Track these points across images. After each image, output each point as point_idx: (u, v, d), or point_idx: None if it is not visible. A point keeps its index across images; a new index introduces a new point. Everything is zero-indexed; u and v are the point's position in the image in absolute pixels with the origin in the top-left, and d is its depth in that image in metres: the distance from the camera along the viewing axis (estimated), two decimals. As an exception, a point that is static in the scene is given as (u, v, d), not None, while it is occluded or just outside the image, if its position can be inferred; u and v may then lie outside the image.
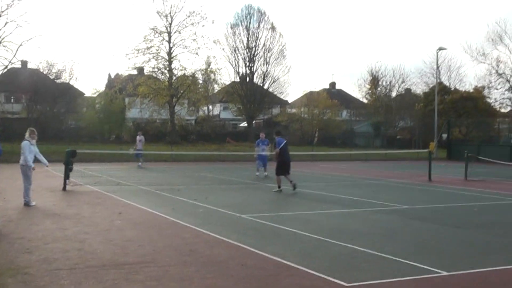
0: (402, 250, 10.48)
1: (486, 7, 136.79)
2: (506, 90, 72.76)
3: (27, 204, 15.87)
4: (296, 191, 20.10)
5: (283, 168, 20.70)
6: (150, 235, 11.62)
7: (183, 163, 39.13)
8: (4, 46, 50.67)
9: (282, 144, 20.65)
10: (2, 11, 49.74)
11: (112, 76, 75.83)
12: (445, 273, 8.83)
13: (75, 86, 69.68)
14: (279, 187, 20.33)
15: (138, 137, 35.19)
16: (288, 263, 9.30)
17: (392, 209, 16.49)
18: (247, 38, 70.23)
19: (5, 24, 50.32)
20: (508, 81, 72.07)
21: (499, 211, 16.85)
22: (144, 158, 39.83)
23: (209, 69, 64.87)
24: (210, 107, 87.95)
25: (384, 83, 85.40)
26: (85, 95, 72.98)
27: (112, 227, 12.62)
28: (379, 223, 13.77)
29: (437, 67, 62.83)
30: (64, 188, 20.29)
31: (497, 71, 71.60)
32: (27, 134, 16.24)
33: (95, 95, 70.68)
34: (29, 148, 16.04)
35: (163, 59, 62.42)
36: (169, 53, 62.39)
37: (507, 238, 12.18)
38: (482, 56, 72.62)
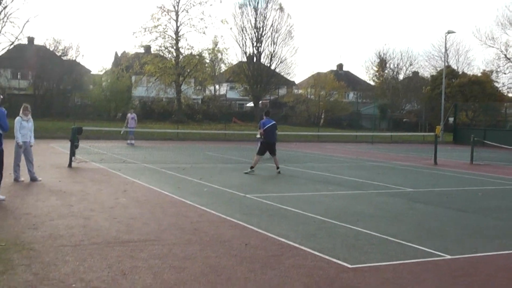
0: (406, 233, 10.49)
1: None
2: (514, 75, 72.59)
3: (15, 179, 15.92)
4: (280, 174, 19.94)
5: (265, 149, 20.52)
6: (155, 213, 11.65)
7: (189, 142, 39.16)
8: (11, 22, 50.75)
9: (268, 125, 20.40)
10: (10, -12, 49.75)
11: (119, 54, 75.75)
12: (448, 257, 8.84)
13: (82, 63, 69.88)
14: (251, 167, 20.01)
15: (129, 115, 35.07)
16: (292, 243, 9.32)
17: (397, 192, 16.49)
18: (255, 18, 70.02)
19: (12, 0, 50.37)
20: (516, 66, 71.80)
21: (504, 196, 16.82)
22: (150, 136, 39.98)
23: (216, 49, 64.76)
24: (217, 86, 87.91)
25: (391, 66, 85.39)
26: (91, 73, 73.07)
27: (117, 204, 12.65)
28: (383, 206, 13.77)
29: (445, 51, 62.69)
30: (69, 165, 20.35)
31: (505, 55, 71.37)
32: (21, 111, 16.24)
33: (101, 73, 70.71)
34: (20, 124, 16.03)
35: (170, 38, 62.35)
36: (176, 32, 62.27)
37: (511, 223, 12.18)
38: (491, 40, 72.45)
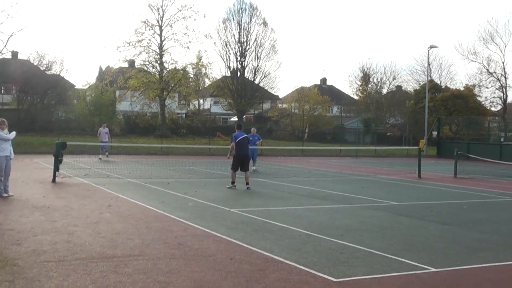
0: (391, 246, 10.51)
1: (478, 6, 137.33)
2: (496, 89, 73.32)
3: None
4: (250, 190, 19.44)
5: (237, 163, 20.07)
6: (139, 228, 11.60)
7: (173, 157, 39.11)
8: (-5, 36, 50.60)
9: (240, 138, 20.10)
10: (-6, 2, 49.66)
11: (103, 69, 75.58)
12: (433, 270, 8.87)
13: (66, 78, 69.64)
14: (232, 182, 19.79)
15: (101, 129, 34.74)
16: (277, 257, 9.32)
17: (382, 205, 16.54)
18: (239, 32, 70.00)
19: (-4, 15, 50.31)
20: (498, 80, 72.55)
21: (488, 209, 16.90)
22: (135, 151, 39.87)
23: (200, 63, 64.85)
24: (201, 101, 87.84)
25: (375, 80, 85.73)
26: (75, 87, 72.75)
27: (101, 219, 12.59)
28: (368, 219, 13.79)
29: (428, 65, 62.97)
30: (53, 180, 20.25)
31: (488, 70, 72.09)
32: None
33: (85, 87, 70.41)
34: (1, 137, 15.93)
35: (154, 53, 62.48)
36: (160, 47, 62.39)
37: (496, 236, 12.21)
38: (473, 55, 73.15)
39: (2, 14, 52.13)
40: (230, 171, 20.11)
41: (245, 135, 20.62)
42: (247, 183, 19.82)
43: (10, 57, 62.05)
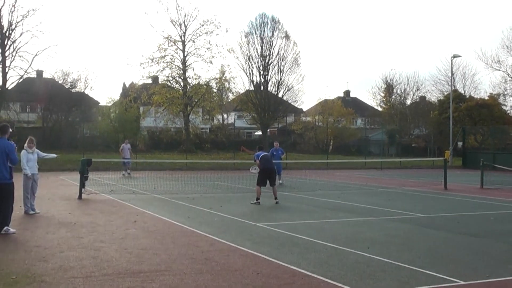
0: (418, 259, 10.42)
1: (500, 14, 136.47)
2: (521, 97, 72.52)
3: (26, 212, 15.97)
4: (279, 205, 19.27)
5: (264, 178, 19.76)
6: (165, 244, 11.62)
7: (197, 172, 39.19)
8: (20, 56, 51.23)
9: (262, 154, 20.11)
10: (18, 22, 50.38)
11: (127, 85, 76.08)
12: (461, 283, 8.77)
13: (90, 95, 70.11)
14: (257, 198, 19.40)
15: (124, 145, 34.67)
16: (304, 271, 9.28)
17: (408, 218, 16.42)
18: (261, 46, 70.10)
19: (21, 34, 51.07)
20: (523, 88, 71.77)
21: (516, 220, 16.71)
22: (159, 166, 40.03)
23: (223, 78, 65.04)
24: (225, 115, 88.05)
25: (398, 91, 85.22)
26: (100, 104, 73.28)
27: (127, 235, 12.64)
28: (394, 232, 13.70)
29: (452, 75, 62.66)
30: (79, 197, 20.38)
31: (512, 78, 71.38)
32: (25, 143, 16.33)
33: (109, 104, 70.96)
34: (26, 156, 16.10)
35: (178, 68, 62.75)
36: (183, 62, 62.64)
37: (524, 247, 12.08)
38: (497, 63, 72.53)
39: (27, 34, 52.59)
40: (256, 186, 19.83)
41: (265, 153, 20.71)
42: (275, 197, 19.66)
43: (35, 76, 62.71)
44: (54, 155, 18.03)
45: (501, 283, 8.93)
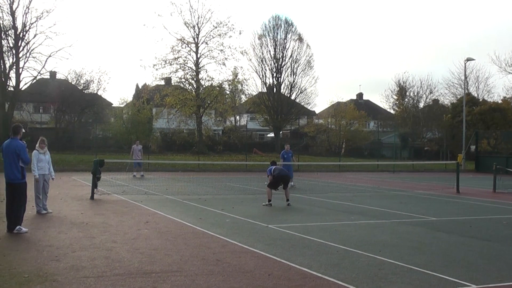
0: (430, 262, 10.38)
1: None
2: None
3: (38, 212, 16.03)
4: (290, 207, 19.28)
5: (278, 182, 19.74)
6: (177, 244, 11.64)
7: (210, 173, 39.24)
8: (33, 57, 51.39)
9: (274, 167, 19.93)
10: (32, 23, 50.52)
11: (140, 87, 76.30)
12: (473, 286, 8.73)
13: (103, 96, 70.42)
14: (269, 200, 19.44)
15: (135, 146, 34.54)
16: (315, 273, 9.27)
17: (420, 221, 16.36)
18: (274, 48, 70.31)
19: (35, 35, 51.17)
20: (536, 92, 71.41)
21: (529, 224, 16.62)
22: (172, 168, 40.11)
23: (236, 80, 65.11)
24: (237, 117, 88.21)
25: (411, 94, 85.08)
26: (112, 105, 73.53)
27: (139, 235, 12.67)
28: (406, 235, 13.66)
29: (465, 78, 62.46)
30: (92, 197, 20.45)
31: (526, 82, 71.05)
32: (37, 144, 16.37)
33: (122, 105, 71.14)
34: (37, 157, 16.14)
35: (191, 70, 62.89)
36: (196, 64, 62.76)
37: (537, 251, 12.01)
38: (510, 66, 72.25)
39: (41, 36, 52.84)
40: (267, 188, 19.87)
41: (276, 166, 20.45)
42: (287, 199, 19.73)
43: (48, 77, 62.93)
44: (53, 174, 17.34)
45: (513, 287, 8.89)
